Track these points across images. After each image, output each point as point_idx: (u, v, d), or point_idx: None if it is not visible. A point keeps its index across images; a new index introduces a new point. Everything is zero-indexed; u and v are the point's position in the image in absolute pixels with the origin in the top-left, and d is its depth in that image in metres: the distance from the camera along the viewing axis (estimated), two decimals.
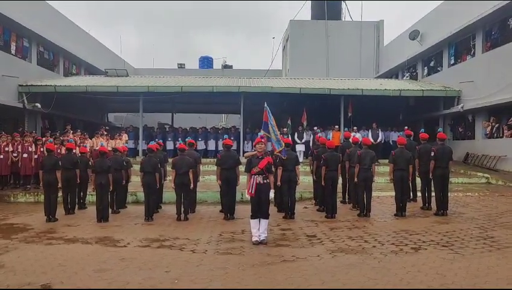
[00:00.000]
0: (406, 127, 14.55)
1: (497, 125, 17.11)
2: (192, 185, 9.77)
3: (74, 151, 11.23)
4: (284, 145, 9.43)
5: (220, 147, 19.11)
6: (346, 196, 11.43)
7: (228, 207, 9.64)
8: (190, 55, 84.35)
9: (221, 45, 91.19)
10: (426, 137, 10.67)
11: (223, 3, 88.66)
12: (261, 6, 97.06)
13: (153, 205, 9.81)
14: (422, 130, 11.33)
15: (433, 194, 10.14)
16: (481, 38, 18.12)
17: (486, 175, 15.08)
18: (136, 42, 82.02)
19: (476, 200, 11.46)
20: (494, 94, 16.41)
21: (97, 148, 14.19)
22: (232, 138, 15.54)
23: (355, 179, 9.78)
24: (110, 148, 12.72)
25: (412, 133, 12.54)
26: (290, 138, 17.69)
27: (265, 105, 9.59)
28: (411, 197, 11.19)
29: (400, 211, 9.56)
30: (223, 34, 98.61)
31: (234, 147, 15.76)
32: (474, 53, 18.83)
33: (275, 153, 9.36)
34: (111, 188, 9.91)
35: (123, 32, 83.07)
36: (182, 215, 9.50)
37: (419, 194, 10.94)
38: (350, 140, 11.80)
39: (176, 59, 79.95)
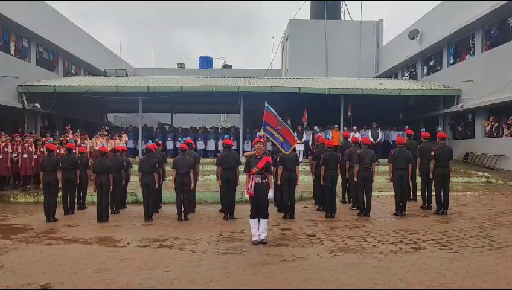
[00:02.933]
0: (407, 127, 14.52)
1: (496, 124, 17.11)
2: (192, 185, 9.79)
3: (74, 151, 11.21)
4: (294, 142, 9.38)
5: (220, 147, 19.11)
6: (346, 195, 11.43)
7: (228, 207, 9.65)
8: (189, 56, 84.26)
9: (220, 44, 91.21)
10: (427, 136, 10.66)
11: (222, 3, 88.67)
12: (259, 6, 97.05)
13: (152, 205, 9.81)
14: (423, 129, 11.30)
15: (433, 193, 10.14)
16: (480, 38, 18.11)
17: (486, 174, 15.08)
18: (132, 42, 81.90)
19: (475, 199, 11.46)
20: (494, 93, 16.40)
21: (97, 148, 14.21)
22: (231, 138, 15.53)
23: (355, 179, 9.79)
24: (109, 149, 12.71)
25: (413, 132, 12.53)
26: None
27: (266, 104, 9.56)
28: (411, 196, 11.19)
29: (400, 211, 9.56)
30: (222, 34, 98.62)
31: (234, 147, 15.75)
32: (473, 52, 18.83)
33: (283, 153, 9.28)
34: (111, 188, 9.92)
35: (105, 31, 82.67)
36: (183, 215, 9.51)
37: (419, 193, 10.94)
38: (349, 139, 11.80)
39: (175, 59, 79.92)
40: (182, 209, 9.56)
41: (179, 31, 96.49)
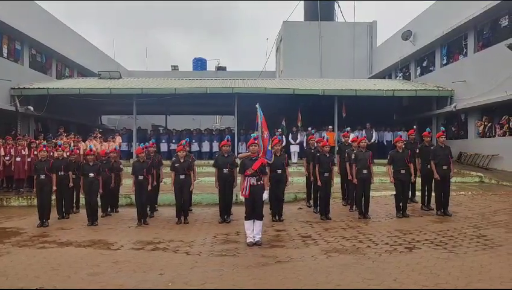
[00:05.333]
0: (414, 127, 14.21)
1: (489, 124, 17.22)
2: (192, 187, 9.75)
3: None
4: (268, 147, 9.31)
5: (215, 149, 19.08)
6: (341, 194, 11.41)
7: (225, 208, 9.61)
8: (182, 58, 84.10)
9: (215, 46, 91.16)
10: (428, 136, 10.60)
11: (218, 4, 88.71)
12: (254, 8, 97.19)
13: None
14: (428, 129, 11.19)
15: (432, 194, 10.14)
16: (473, 38, 18.24)
17: (479, 174, 15.17)
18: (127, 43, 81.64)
19: (469, 199, 11.52)
20: (487, 93, 16.51)
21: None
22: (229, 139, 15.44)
23: (354, 180, 9.73)
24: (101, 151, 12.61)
25: (412, 131, 12.47)
26: (284, 139, 17.75)
27: (257, 106, 9.53)
28: (410, 197, 11.14)
29: (399, 211, 9.54)
30: (217, 35, 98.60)
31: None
32: (466, 53, 18.95)
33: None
34: (101, 191, 9.87)
35: (86, 31, 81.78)
36: (182, 219, 9.47)
37: (417, 193, 10.95)
38: (349, 140, 11.77)
39: (168, 61, 79.76)
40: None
41: (169, 33, 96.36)
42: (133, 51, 76.64)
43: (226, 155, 9.56)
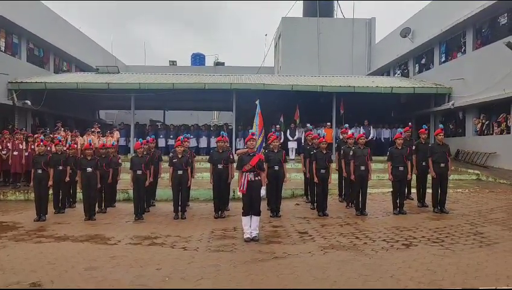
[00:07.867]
0: (410, 124, 14.19)
1: (487, 122, 17.24)
2: (189, 183, 9.76)
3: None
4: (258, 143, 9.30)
5: (212, 144, 19.05)
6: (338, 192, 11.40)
7: (222, 202, 9.62)
8: (180, 53, 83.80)
9: (213, 41, 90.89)
10: (424, 133, 10.59)
11: (216, 3, 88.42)
12: (253, 4, 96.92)
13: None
14: (425, 126, 11.19)
15: (428, 191, 10.14)
16: (472, 36, 18.22)
17: (476, 172, 15.20)
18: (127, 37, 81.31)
19: (466, 197, 11.55)
20: (485, 91, 16.52)
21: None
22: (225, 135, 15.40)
23: (352, 177, 9.72)
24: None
25: (408, 128, 12.46)
26: (282, 135, 17.74)
27: (257, 102, 9.54)
28: (406, 194, 11.15)
29: (395, 208, 9.56)
30: (215, 31, 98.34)
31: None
32: (464, 50, 18.94)
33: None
34: (98, 185, 9.85)
35: (84, 25, 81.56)
36: (179, 214, 9.48)
37: (413, 190, 10.96)
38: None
39: (167, 56, 79.52)
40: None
41: (168, 28, 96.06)
42: (131, 46, 76.31)
43: (220, 151, 9.58)
